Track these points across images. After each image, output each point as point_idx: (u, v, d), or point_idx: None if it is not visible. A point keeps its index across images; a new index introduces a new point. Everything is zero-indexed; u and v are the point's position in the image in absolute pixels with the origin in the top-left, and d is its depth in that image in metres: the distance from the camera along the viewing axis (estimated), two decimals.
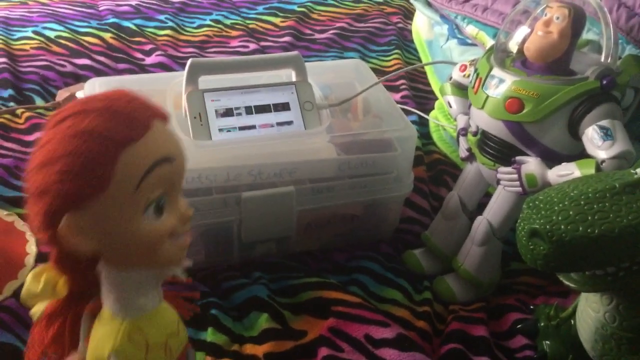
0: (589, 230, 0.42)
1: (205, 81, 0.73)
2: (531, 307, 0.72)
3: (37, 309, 0.40)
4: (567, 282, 0.48)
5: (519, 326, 0.70)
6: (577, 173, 0.60)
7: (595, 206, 0.43)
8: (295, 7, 1.47)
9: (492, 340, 0.68)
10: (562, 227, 0.43)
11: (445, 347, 0.67)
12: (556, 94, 0.62)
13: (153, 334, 0.38)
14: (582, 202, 0.43)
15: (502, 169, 0.68)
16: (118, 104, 0.34)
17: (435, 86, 1.11)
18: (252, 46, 1.28)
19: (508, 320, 0.72)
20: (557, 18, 0.63)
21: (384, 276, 0.76)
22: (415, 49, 1.31)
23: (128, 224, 0.34)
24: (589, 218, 0.43)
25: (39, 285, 0.37)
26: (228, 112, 0.72)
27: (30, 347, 0.39)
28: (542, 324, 0.67)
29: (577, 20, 0.63)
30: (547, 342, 0.66)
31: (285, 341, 0.66)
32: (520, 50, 0.67)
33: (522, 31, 0.68)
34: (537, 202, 0.45)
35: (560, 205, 0.43)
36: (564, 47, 0.64)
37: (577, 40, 0.65)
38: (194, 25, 1.37)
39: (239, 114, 0.73)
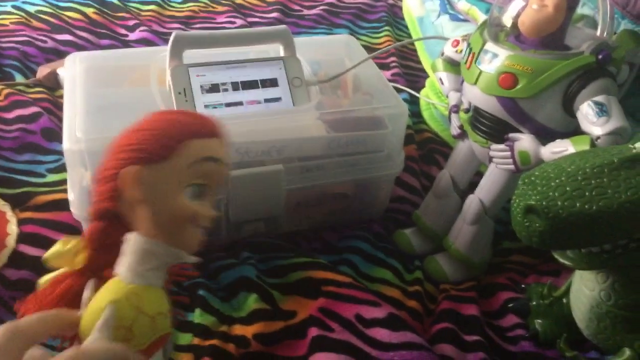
0: (586, 207, 0.41)
1: (190, 56, 0.71)
2: (522, 286, 0.72)
3: (45, 279, 0.45)
4: (562, 260, 0.47)
5: (511, 305, 0.69)
6: (572, 150, 0.58)
7: (592, 182, 0.42)
8: None
9: (484, 319, 0.68)
10: (559, 203, 0.41)
11: (437, 327, 0.66)
12: (551, 69, 0.60)
13: (146, 305, 0.42)
14: (579, 178, 0.42)
15: (495, 146, 0.67)
16: (202, 115, 0.45)
17: (426, 63, 1.09)
18: (239, 22, 1.25)
19: (499, 299, 0.71)
20: None
21: (375, 256, 0.75)
22: (406, 26, 1.29)
23: (171, 191, 0.42)
24: (587, 194, 0.41)
25: (65, 247, 0.43)
26: (214, 88, 0.70)
27: (24, 305, 0.43)
28: (534, 303, 0.67)
29: None
30: (539, 320, 0.65)
31: (275, 322, 0.64)
32: (515, 24, 0.66)
33: (516, 4, 0.66)
34: (532, 178, 0.44)
35: (557, 180, 0.42)
36: (560, 21, 0.62)
37: (572, 14, 0.63)
38: (179, 0, 1.33)
39: (226, 90, 0.71)
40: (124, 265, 0.42)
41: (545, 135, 0.63)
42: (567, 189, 0.42)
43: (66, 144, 0.62)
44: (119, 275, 0.42)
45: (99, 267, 0.44)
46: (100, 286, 0.42)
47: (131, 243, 0.42)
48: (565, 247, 0.46)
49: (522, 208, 0.43)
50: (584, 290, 0.51)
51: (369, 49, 1.16)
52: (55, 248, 0.43)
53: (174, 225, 0.43)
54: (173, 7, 1.30)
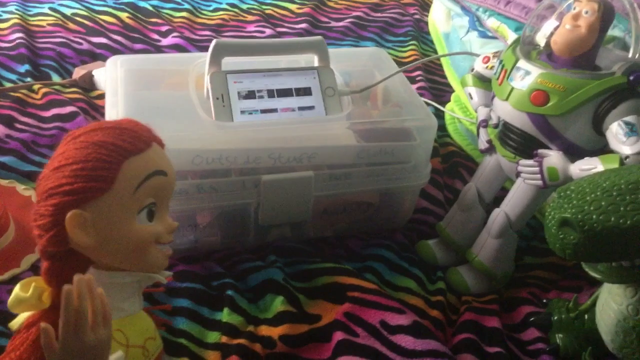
0: (620, 221, 0.42)
1: (227, 63, 0.73)
2: (544, 300, 0.73)
3: (17, 321, 0.42)
4: (592, 273, 0.48)
5: (532, 319, 0.70)
6: (600, 168, 0.59)
7: (627, 197, 0.43)
8: None
9: (505, 332, 0.69)
10: (594, 217, 0.43)
11: (458, 337, 0.67)
12: (582, 88, 0.62)
13: (133, 336, 0.41)
14: (614, 193, 0.43)
15: (524, 161, 0.68)
16: (126, 125, 0.41)
17: (451, 78, 1.10)
18: (268, 31, 1.27)
19: (520, 312, 0.72)
20: (586, 12, 0.63)
21: (398, 265, 0.76)
22: (432, 41, 1.31)
23: (123, 222, 0.39)
24: (621, 209, 0.43)
25: (27, 292, 0.39)
26: (250, 95, 0.72)
27: (6, 354, 0.41)
28: (556, 317, 0.67)
29: (606, 14, 0.63)
30: (560, 335, 0.66)
31: (300, 324, 0.66)
32: (547, 44, 0.67)
33: (549, 24, 0.68)
34: (568, 192, 0.45)
35: (592, 195, 0.43)
36: (592, 42, 0.63)
37: (604, 35, 0.64)
38: (210, 8, 1.36)
39: (261, 97, 0.73)
40: None
41: (573, 153, 0.64)
42: (602, 203, 0.43)
43: None
44: None
45: None
46: None
47: (97, 282, 0.39)
48: (598, 260, 0.47)
49: (557, 220, 0.44)
50: (612, 304, 0.52)
51: (395, 62, 1.18)
52: (17, 294, 0.40)
53: (136, 253, 0.41)
54: (204, 14, 1.33)
